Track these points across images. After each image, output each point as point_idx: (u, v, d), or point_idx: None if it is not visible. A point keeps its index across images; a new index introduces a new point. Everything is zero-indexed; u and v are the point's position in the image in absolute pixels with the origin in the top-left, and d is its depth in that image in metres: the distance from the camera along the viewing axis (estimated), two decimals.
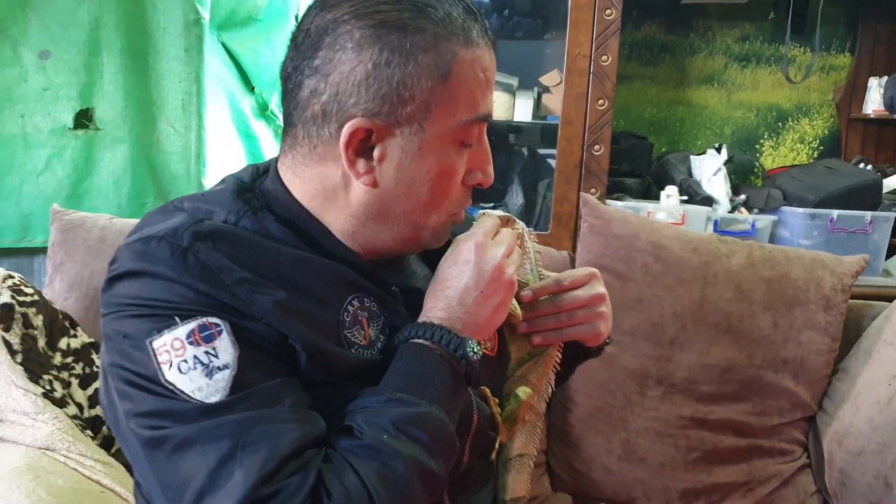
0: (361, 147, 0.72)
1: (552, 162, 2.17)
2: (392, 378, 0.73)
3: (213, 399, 0.64)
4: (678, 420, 1.44)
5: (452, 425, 0.74)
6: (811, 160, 2.49)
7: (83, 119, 2.09)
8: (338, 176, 0.75)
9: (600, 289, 0.91)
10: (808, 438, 1.49)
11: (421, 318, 0.77)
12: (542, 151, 2.36)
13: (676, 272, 1.46)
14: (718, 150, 2.22)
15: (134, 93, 2.08)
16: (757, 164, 2.48)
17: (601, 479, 1.46)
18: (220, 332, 0.66)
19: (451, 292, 0.77)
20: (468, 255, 0.77)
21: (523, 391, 0.95)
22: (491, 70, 0.76)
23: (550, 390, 1.00)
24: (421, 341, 0.75)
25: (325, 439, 0.68)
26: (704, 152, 2.27)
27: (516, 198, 2.33)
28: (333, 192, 0.76)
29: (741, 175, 2.49)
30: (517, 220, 0.95)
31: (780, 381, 1.43)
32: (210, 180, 2.67)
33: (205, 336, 0.66)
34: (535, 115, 2.27)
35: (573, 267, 1.53)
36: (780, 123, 2.52)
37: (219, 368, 0.65)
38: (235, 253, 0.70)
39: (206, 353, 0.66)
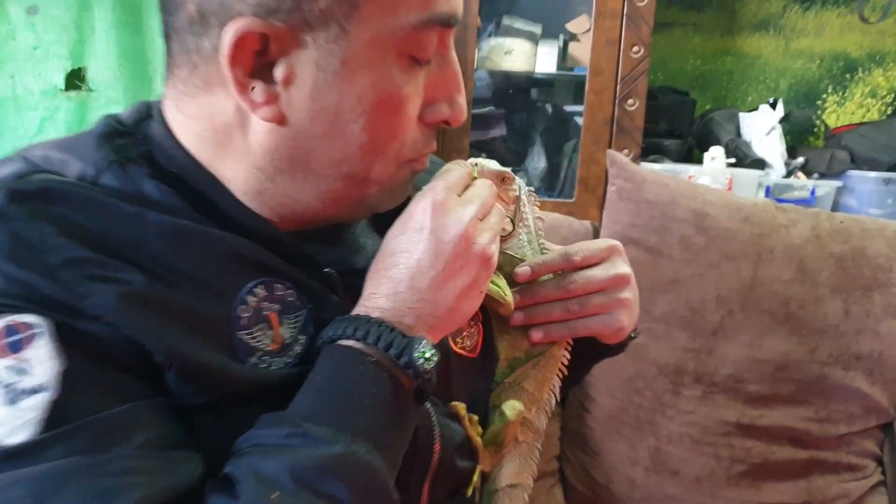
0: (257, 64, 0.49)
1: (580, 121, 1.91)
2: (304, 400, 0.51)
3: (16, 438, 0.44)
4: (720, 426, 1.19)
5: (392, 467, 0.52)
6: (884, 117, 2.18)
7: (75, 80, 1.97)
8: (229, 109, 0.52)
9: (623, 268, 0.70)
10: (883, 451, 1.23)
11: (356, 310, 0.55)
12: (568, 108, 2.09)
13: (722, 246, 1.20)
14: (773, 105, 1.94)
15: (128, 51, 1.96)
16: (818, 121, 2.20)
17: (624, 492, 1.22)
18: (34, 337, 0.46)
19: (397, 272, 0.55)
20: (422, 219, 0.55)
21: (512, 407, 0.72)
22: None
23: (554, 400, 0.77)
24: (349, 343, 0.52)
25: (193, 496, 0.46)
26: (756, 109, 1.99)
27: (538, 161, 2.07)
28: (226, 134, 0.53)
29: (799, 135, 2.21)
30: (514, 177, 0.72)
31: (850, 380, 1.17)
32: None
33: (11, 343, 0.45)
34: (560, 67, 2.00)
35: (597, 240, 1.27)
36: (847, 75, 2.22)
37: (29, 391, 0.45)
38: (74, 222, 0.49)
39: (11, 367, 0.45)
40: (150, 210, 0.51)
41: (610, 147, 1.86)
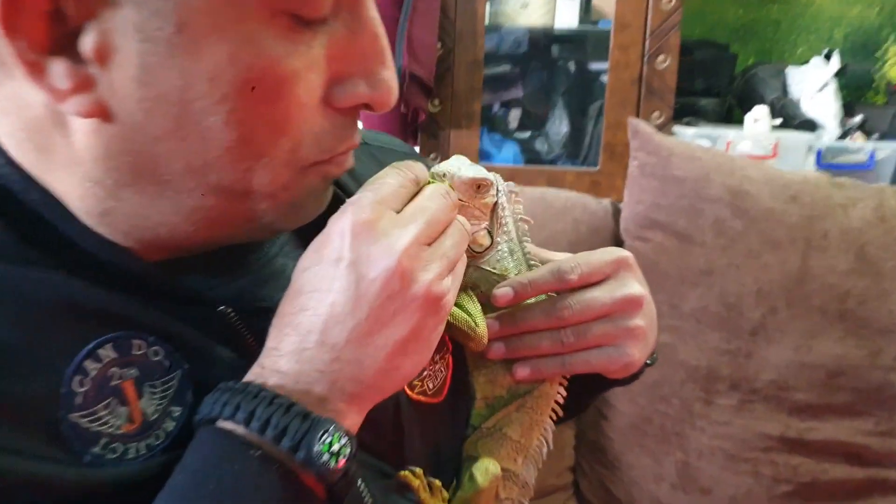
0: (54, 32, 0.33)
1: (606, 80, 1.71)
2: None
3: None
4: (761, 439, 1.02)
5: None
6: None
7: None
8: (38, 101, 0.37)
9: (634, 287, 0.56)
10: None
11: (250, 373, 0.40)
12: (593, 66, 1.89)
13: (765, 231, 1.02)
14: (827, 57, 1.71)
15: None
16: (878, 76, 1.95)
17: None
18: None
19: (306, 320, 0.40)
20: (339, 247, 0.40)
21: (484, 472, 0.57)
22: None
23: (546, 448, 0.61)
24: (229, 426, 0.38)
25: None
26: (806, 63, 1.77)
27: (559, 125, 1.88)
28: (43, 135, 0.38)
29: (856, 91, 1.99)
30: (492, 181, 0.57)
31: None
32: None
33: None
34: (582, 20, 1.80)
35: (616, 226, 1.10)
36: None
37: None
38: None
39: None
40: None
41: (638, 110, 1.67)
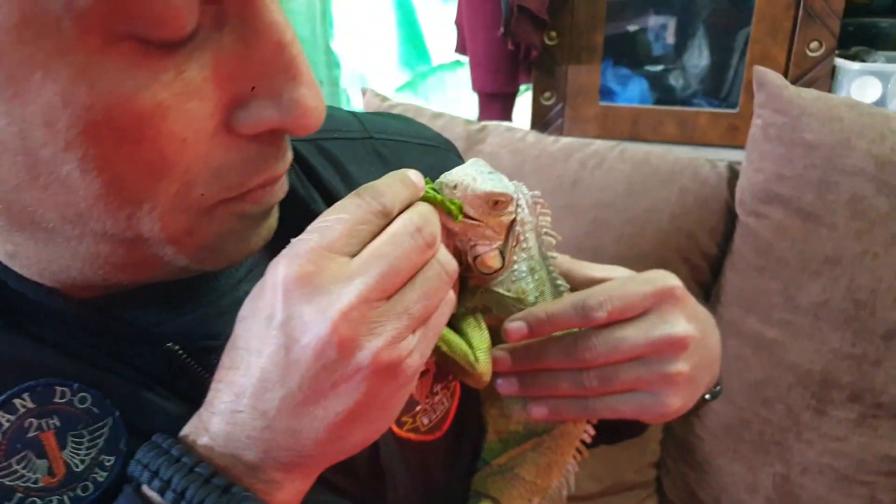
0: None
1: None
2: None
3: None
4: (883, 462, 0.86)
5: None
6: None
7: None
8: None
9: (678, 326, 0.46)
10: None
11: (188, 425, 0.37)
12: None
13: None
14: None
15: None
16: None
17: None
18: None
19: (239, 379, 0.35)
20: (271, 304, 0.34)
21: None
22: None
23: (567, 491, 0.53)
24: (146, 491, 0.35)
25: None
26: None
27: (699, 56, 1.64)
28: None
29: None
30: (512, 198, 0.48)
31: None
32: (339, 44, 2.35)
33: None
34: None
35: (731, 197, 0.94)
36: None
37: None
38: None
39: None
40: None
41: (792, 38, 1.41)
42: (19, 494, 0.35)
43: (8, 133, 0.29)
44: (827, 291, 0.85)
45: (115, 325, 0.39)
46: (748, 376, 0.91)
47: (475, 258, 0.49)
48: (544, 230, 0.51)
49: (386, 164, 0.55)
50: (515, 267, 0.50)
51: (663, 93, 1.67)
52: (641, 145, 1.36)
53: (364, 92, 1.15)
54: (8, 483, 0.35)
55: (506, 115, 1.55)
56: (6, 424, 0.35)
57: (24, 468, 0.36)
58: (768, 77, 0.90)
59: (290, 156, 0.37)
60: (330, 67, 2.35)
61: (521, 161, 1.01)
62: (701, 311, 0.52)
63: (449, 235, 0.49)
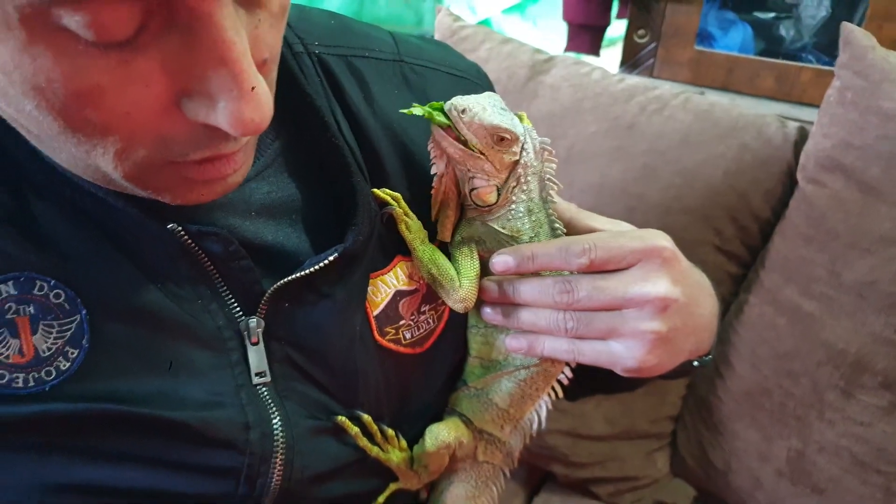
0: None
1: None
2: None
3: None
4: None
5: None
6: None
7: None
8: None
9: (659, 285, 0.49)
10: None
11: None
12: None
13: None
14: None
15: None
16: None
17: (742, 488, 0.95)
18: None
19: None
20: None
21: (434, 437, 0.58)
22: None
23: (538, 424, 0.58)
24: None
25: None
26: None
27: (817, 7, 1.51)
28: None
29: None
30: (518, 137, 0.51)
31: None
32: None
33: None
34: None
35: (795, 161, 0.90)
36: None
37: None
38: None
39: None
40: None
41: None
42: None
43: None
44: (875, 271, 0.81)
45: (121, 206, 0.42)
46: (777, 346, 0.89)
47: (472, 190, 0.50)
48: (548, 176, 0.52)
49: (411, 89, 0.56)
50: (513, 206, 0.51)
51: (769, 43, 1.56)
52: (718, 95, 1.29)
53: (438, 10, 1.14)
54: None
55: (594, 48, 1.50)
56: None
57: None
58: (855, 35, 0.83)
59: (243, 140, 0.39)
60: None
61: (581, 97, 0.99)
62: (694, 277, 0.53)
63: (449, 161, 0.50)
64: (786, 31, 1.55)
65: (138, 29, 0.31)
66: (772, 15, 1.56)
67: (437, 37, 1.11)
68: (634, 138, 0.95)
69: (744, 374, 0.93)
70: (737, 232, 0.93)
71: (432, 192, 0.52)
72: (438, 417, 0.59)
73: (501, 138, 0.48)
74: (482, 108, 0.48)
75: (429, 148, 0.50)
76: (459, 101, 0.48)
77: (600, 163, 0.96)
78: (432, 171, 0.51)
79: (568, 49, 1.51)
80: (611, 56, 1.71)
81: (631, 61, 1.53)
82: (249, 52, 0.33)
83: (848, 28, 0.84)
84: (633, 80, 1.00)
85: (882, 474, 0.84)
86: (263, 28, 0.35)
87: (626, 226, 0.55)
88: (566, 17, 1.48)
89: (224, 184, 0.40)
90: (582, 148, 0.97)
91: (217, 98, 0.33)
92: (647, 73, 1.53)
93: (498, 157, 0.49)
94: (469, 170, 0.50)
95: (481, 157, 0.49)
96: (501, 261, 0.50)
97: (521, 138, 0.50)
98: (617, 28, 1.60)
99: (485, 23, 2.60)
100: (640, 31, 1.50)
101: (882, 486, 0.84)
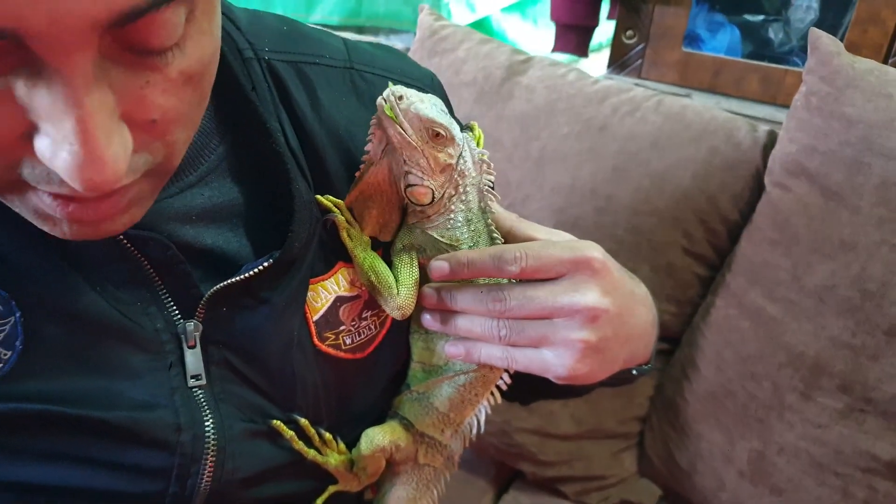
0: None
1: None
2: None
3: None
4: (863, 458, 0.83)
5: None
6: None
7: None
8: None
9: (589, 295, 0.50)
10: None
11: None
12: None
13: None
14: None
15: None
16: None
17: (706, 488, 0.96)
18: None
19: None
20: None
21: (370, 440, 0.57)
22: None
23: (477, 429, 0.59)
24: None
25: None
26: None
27: (806, 10, 1.52)
28: None
29: None
30: (454, 138, 0.51)
31: None
32: None
33: None
34: None
35: (764, 165, 0.91)
36: None
37: None
38: None
39: None
40: None
41: None
42: None
43: None
44: (836, 276, 0.81)
45: None
46: (741, 349, 0.89)
47: (407, 186, 0.51)
48: (486, 187, 0.53)
49: (359, 96, 0.57)
50: (452, 215, 0.52)
51: (757, 45, 1.57)
52: (704, 97, 1.30)
53: (421, 8, 1.15)
54: None
55: (581, 49, 1.50)
56: None
57: None
58: (822, 41, 0.84)
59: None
60: None
61: (556, 98, 1.00)
62: (627, 287, 0.54)
63: (385, 152, 0.51)
64: (774, 33, 1.56)
65: (12, 69, 0.30)
66: (761, 17, 1.57)
67: (417, 35, 1.12)
68: (606, 140, 0.96)
69: (709, 375, 0.94)
70: (705, 234, 0.94)
71: (357, 173, 0.52)
72: (380, 420, 0.59)
73: (436, 133, 0.48)
74: (419, 100, 0.49)
75: (370, 131, 0.50)
76: (398, 88, 0.49)
77: (571, 164, 0.97)
78: (366, 148, 0.51)
79: (555, 49, 1.52)
80: (598, 59, 1.71)
81: (619, 62, 1.53)
82: (111, 111, 0.32)
83: (815, 33, 0.85)
84: (608, 82, 1.01)
85: (839, 476, 0.85)
86: (153, 91, 0.34)
87: (565, 236, 0.55)
88: (553, 16, 1.49)
89: (96, 229, 0.38)
90: (554, 149, 0.98)
91: (60, 147, 0.31)
92: (635, 74, 1.53)
93: (433, 155, 0.49)
94: (405, 161, 0.49)
95: (416, 147, 0.49)
96: (437, 266, 0.51)
97: (459, 143, 0.51)
98: (607, 31, 1.60)
99: (484, 20, 2.59)
100: (629, 32, 1.50)
101: (839, 487, 0.85)
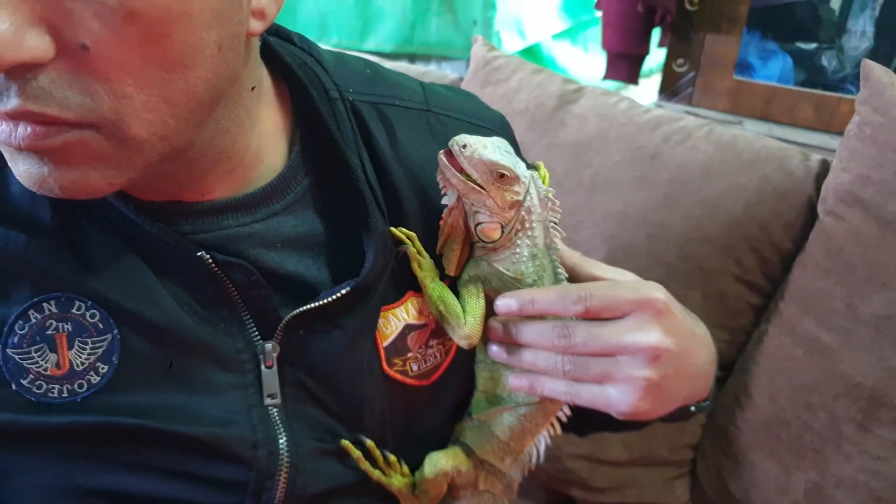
0: None
1: None
2: None
3: None
4: None
5: None
6: None
7: None
8: None
9: (651, 335, 0.51)
10: None
11: None
12: None
13: None
14: None
15: None
16: None
17: None
18: None
19: None
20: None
21: (433, 465, 0.60)
22: None
23: (537, 458, 0.61)
24: None
25: None
26: None
27: (859, 39, 1.51)
28: None
29: None
30: (518, 178, 0.53)
31: None
32: None
33: None
34: None
35: (817, 193, 0.91)
36: None
37: None
38: None
39: None
40: None
41: None
42: (31, 375, 0.45)
43: None
44: (893, 306, 0.81)
45: (158, 232, 0.47)
46: (795, 378, 0.89)
47: (477, 224, 0.53)
48: (552, 224, 0.55)
49: (435, 136, 0.60)
50: (518, 250, 0.54)
51: (811, 73, 1.55)
52: (756, 124, 1.30)
53: (476, 39, 1.19)
54: (25, 364, 0.45)
55: (632, 77, 1.52)
56: (33, 320, 0.45)
57: (38, 356, 0.46)
58: (875, 72, 0.84)
59: (11, 103, 0.36)
60: (486, 9, 2.37)
61: (607, 127, 1.01)
62: (688, 327, 0.55)
63: (458, 195, 0.54)
64: (828, 61, 1.55)
65: None
66: (814, 45, 1.56)
67: (471, 66, 1.16)
68: (657, 168, 0.97)
69: (762, 404, 0.93)
70: (757, 262, 0.94)
71: (440, 223, 0.55)
72: (443, 445, 0.61)
73: (501, 175, 0.51)
74: (482, 146, 0.51)
75: (437, 178, 0.53)
76: (462, 137, 0.51)
77: (623, 191, 0.98)
78: (443, 202, 0.54)
79: (606, 77, 1.54)
80: (649, 84, 1.72)
81: (670, 89, 1.55)
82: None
83: (868, 65, 0.85)
84: (659, 111, 1.02)
85: None
86: (82, 7, 0.34)
87: (629, 275, 0.57)
88: (605, 45, 1.51)
89: (53, 180, 0.38)
90: (606, 176, 1.00)
91: None
92: (685, 101, 1.54)
93: (499, 194, 0.51)
94: (473, 203, 0.52)
95: (482, 191, 0.51)
96: (504, 303, 0.53)
97: (524, 180, 0.53)
98: (657, 56, 1.61)
99: (535, 47, 2.63)
100: (679, 60, 1.52)
101: None
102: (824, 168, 0.93)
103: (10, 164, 0.40)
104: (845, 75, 1.53)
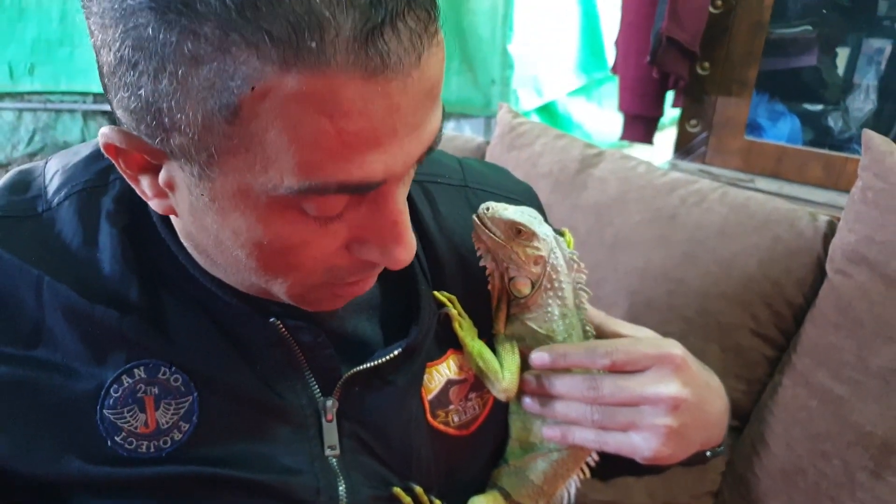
0: (144, 163, 0.46)
1: None
2: None
3: None
4: None
5: None
6: None
7: None
8: None
9: (670, 387, 0.57)
10: None
11: None
12: None
13: None
14: None
15: None
16: None
17: None
18: None
19: None
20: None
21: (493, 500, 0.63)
22: (370, 111, 0.39)
23: (567, 500, 0.67)
24: None
25: None
26: None
27: (864, 100, 1.59)
28: None
29: None
30: (536, 234, 0.61)
31: None
32: (516, 45, 2.47)
33: None
34: None
35: (825, 252, 0.97)
36: None
37: None
38: None
39: None
40: (59, 272, 0.52)
41: None
42: (124, 433, 0.52)
43: (210, 223, 0.46)
44: None
45: (233, 302, 0.54)
46: (810, 427, 0.94)
47: (510, 279, 0.61)
48: (579, 285, 0.62)
49: (472, 210, 0.66)
50: (549, 309, 0.61)
51: (819, 134, 1.63)
52: (768, 182, 1.37)
53: (501, 106, 1.27)
54: (119, 423, 0.52)
55: (647, 137, 1.60)
56: (126, 384, 0.52)
57: (130, 416, 0.52)
58: (875, 140, 0.91)
59: (378, 270, 0.52)
60: (504, 68, 2.49)
61: (627, 189, 1.09)
62: (703, 380, 0.61)
63: (492, 256, 0.61)
64: (834, 122, 1.63)
65: (345, 207, 0.44)
66: (820, 107, 1.64)
67: (497, 131, 1.24)
68: (675, 228, 1.04)
69: (779, 453, 0.98)
70: (771, 317, 1.00)
71: (489, 287, 0.63)
72: (482, 490, 0.67)
73: (518, 230, 0.59)
74: (503, 208, 0.59)
75: (472, 239, 0.61)
76: (487, 203, 0.60)
77: (644, 249, 1.05)
78: (481, 264, 0.62)
79: (623, 137, 1.62)
80: (663, 138, 1.80)
81: (684, 148, 1.63)
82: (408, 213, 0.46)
83: (868, 134, 0.92)
84: (675, 174, 1.10)
85: None
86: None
87: (648, 332, 0.64)
88: (622, 107, 1.60)
89: (354, 294, 0.53)
90: (627, 235, 1.07)
91: (385, 245, 0.47)
92: (699, 160, 1.62)
93: (521, 249, 0.59)
94: (502, 259, 0.60)
95: (506, 246, 0.59)
96: (538, 357, 0.60)
97: (543, 237, 0.60)
98: (671, 112, 1.70)
99: (551, 104, 2.73)
100: (693, 121, 1.60)
101: None
102: (831, 228, 0.99)
103: (305, 299, 0.52)
104: (851, 135, 1.61)
